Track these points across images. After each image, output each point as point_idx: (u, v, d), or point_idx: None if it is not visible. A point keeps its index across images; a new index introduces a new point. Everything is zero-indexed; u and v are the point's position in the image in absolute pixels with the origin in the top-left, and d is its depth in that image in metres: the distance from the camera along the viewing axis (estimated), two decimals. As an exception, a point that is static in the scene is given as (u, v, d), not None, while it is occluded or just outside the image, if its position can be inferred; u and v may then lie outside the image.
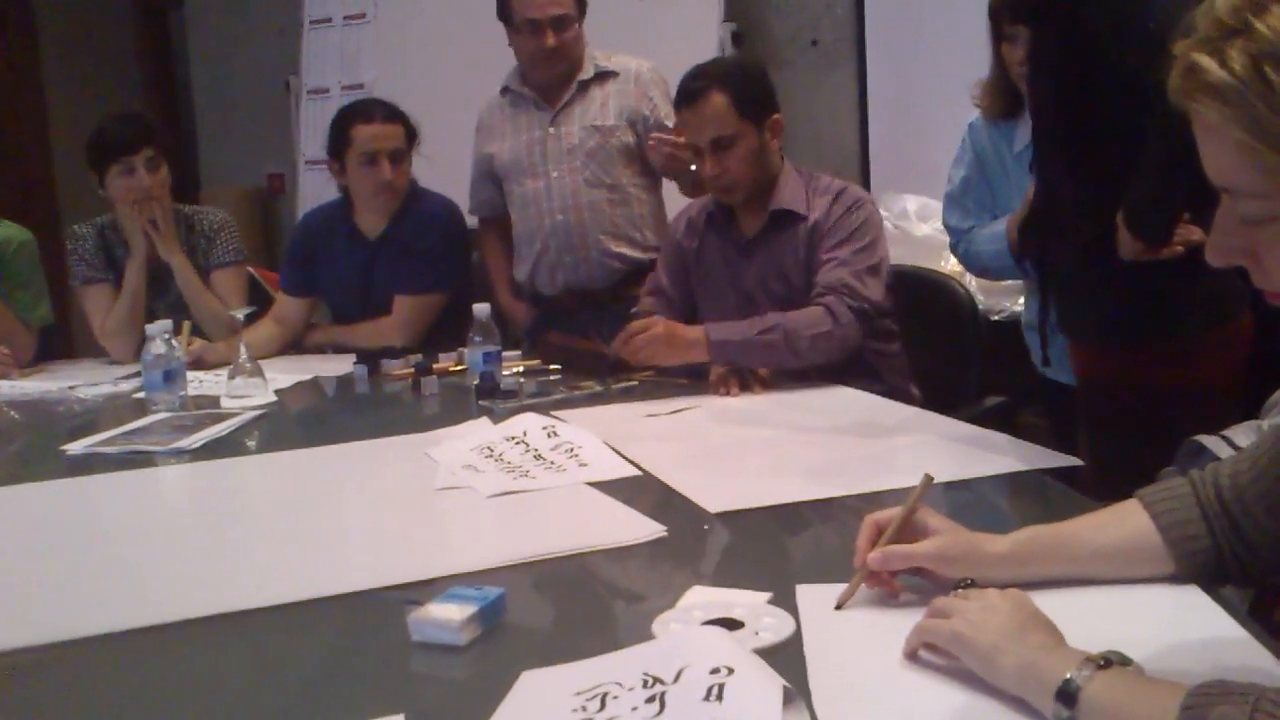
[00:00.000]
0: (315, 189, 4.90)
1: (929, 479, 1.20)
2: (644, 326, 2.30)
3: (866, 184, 4.29)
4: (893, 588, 1.13)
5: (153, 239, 3.03)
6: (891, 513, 1.16)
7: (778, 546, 1.46)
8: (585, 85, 3.02)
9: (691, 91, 2.38)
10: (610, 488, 1.63)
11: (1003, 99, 2.52)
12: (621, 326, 2.69)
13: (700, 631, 1.04)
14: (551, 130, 3.01)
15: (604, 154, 2.98)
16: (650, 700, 0.90)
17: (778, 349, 2.25)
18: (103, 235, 3.18)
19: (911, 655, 0.99)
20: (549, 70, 2.99)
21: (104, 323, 3.15)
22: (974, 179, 2.61)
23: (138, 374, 2.55)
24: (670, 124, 2.98)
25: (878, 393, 2.24)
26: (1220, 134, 0.81)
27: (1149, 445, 1.55)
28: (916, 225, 3.78)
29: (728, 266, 2.50)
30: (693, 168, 2.77)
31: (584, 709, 0.92)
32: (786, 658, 1.00)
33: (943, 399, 2.33)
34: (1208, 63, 0.80)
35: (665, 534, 1.41)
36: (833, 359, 2.30)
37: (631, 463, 1.76)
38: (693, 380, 2.36)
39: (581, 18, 2.99)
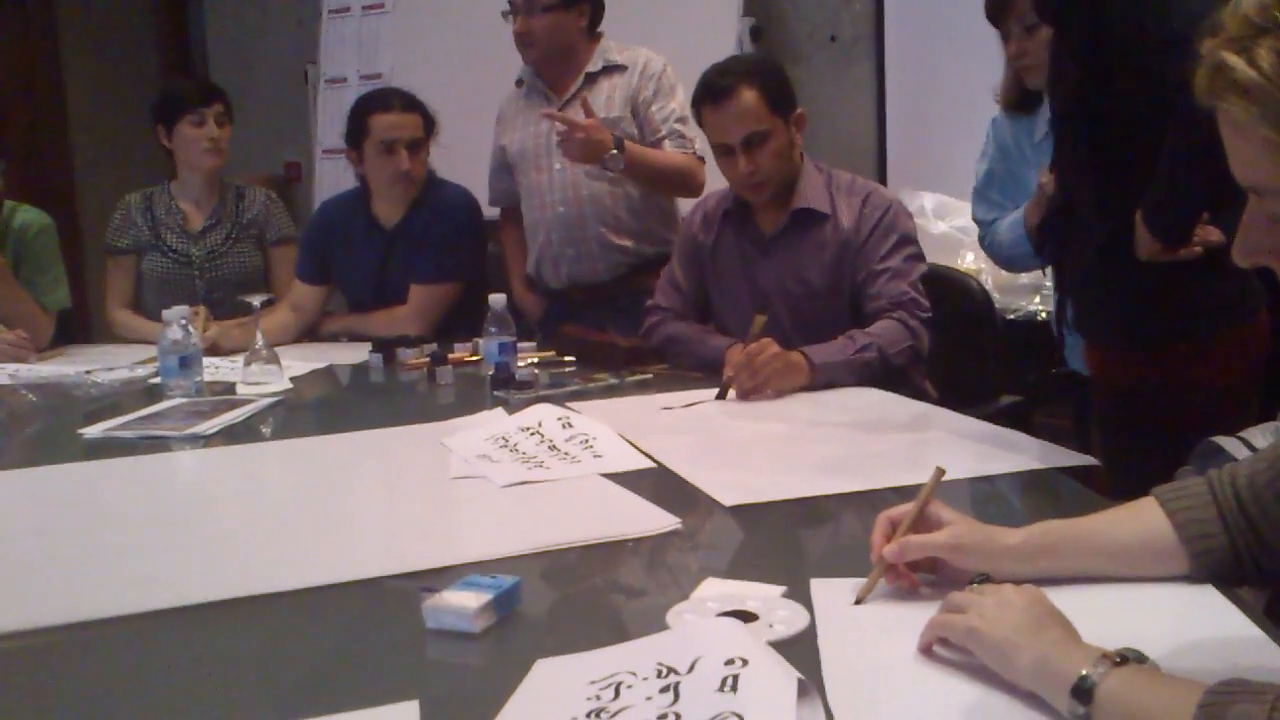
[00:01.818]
0: (332, 178, 4.91)
1: (940, 472, 1.20)
2: (762, 348, 2.15)
3: (883, 180, 4.28)
4: (912, 581, 1.14)
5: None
6: (905, 508, 1.17)
7: (792, 540, 1.47)
8: (593, 78, 3.01)
9: (719, 89, 2.34)
10: (624, 479, 1.64)
11: (1016, 94, 2.55)
12: (632, 319, 2.71)
13: (715, 623, 1.05)
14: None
15: None
16: (664, 690, 0.90)
17: (873, 366, 2.24)
18: (149, 201, 3.29)
19: (926, 650, 0.99)
20: (525, 56, 3.00)
21: (119, 309, 3.29)
22: (997, 171, 2.63)
23: (154, 359, 2.56)
24: (659, 114, 2.96)
25: (892, 389, 2.24)
26: (1248, 133, 0.80)
27: (1164, 446, 1.55)
28: (933, 222, 3.76)
29: (744, 264, 2.49)
30: (614, 151, 2.76)
31: (598, 698, 0.92)
32: (800, 650, 1.00)
33: (958, 396, 2.33)
34: (1235, 61, 0.79)
35: (679, 526, 1.41)
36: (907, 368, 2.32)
37: (646, 455, 1.76)
38: (706, 374, 2.36)
39: (568, 8, 2.96)
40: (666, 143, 2.95)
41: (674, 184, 2.98)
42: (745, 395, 2.14)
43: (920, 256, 2.42)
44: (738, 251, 2.50)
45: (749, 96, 2.32)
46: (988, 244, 2.66)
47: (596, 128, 2.74)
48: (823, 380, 2.20)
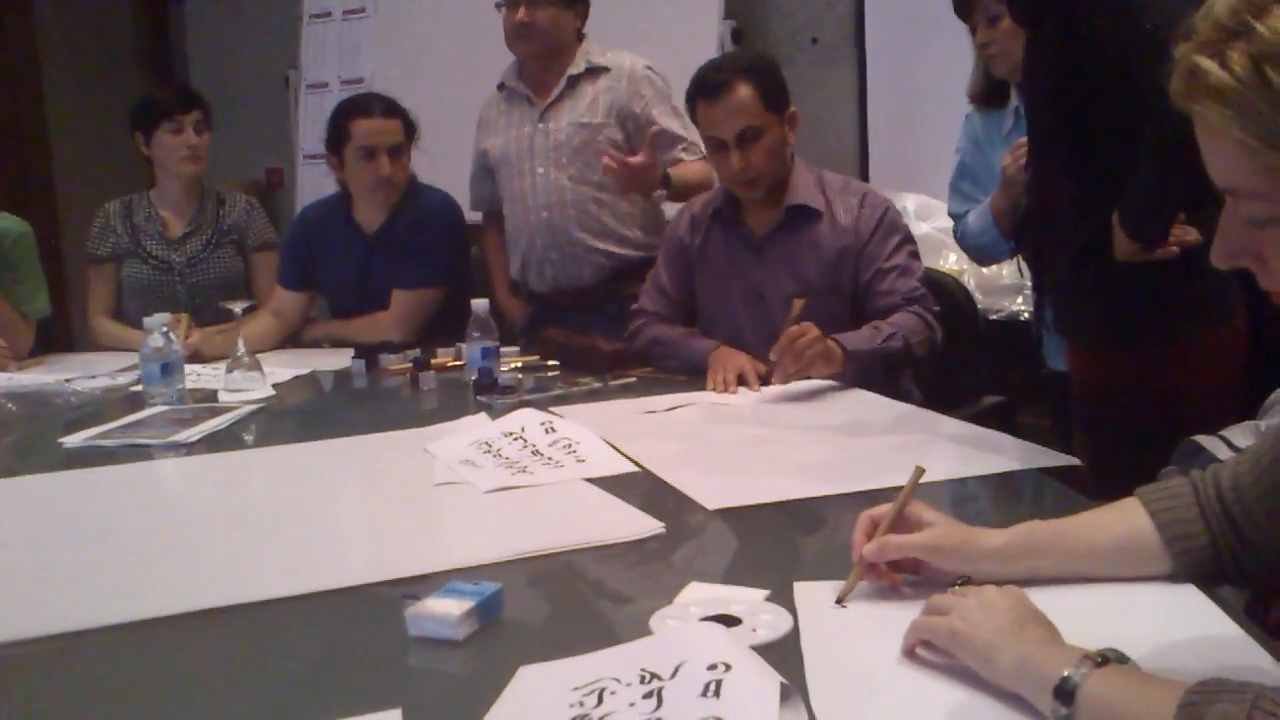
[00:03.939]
0: (314, 183, 4.90)
1: (920, 471, 1.21)
2: (804, 331, 2.10)
3: (865, 181, 4.29)
4: (892, 580, 1.14)
5: None
6: (886, 507, 1.17)
7: (775, 544, 1.46)
8: (575, 80, 3.00)
9: (716, 84, 2.35)
10: (608, 484, 1.64)
11: (984, 87, 2.59)
12: (617, 324, 2.72)
13: (698, 628, 1.05)
14: (540, 126, 3.00)
15: (591, 151, 2.95)
16: (648, 696, 0.90)
17: (898, 356, 2.26)
18: (128, 209, 3.29)
19: (909, 652, 0.99)
20: (522, 47, 2.98)
21: (100, 317, 3.29)
22: (970, 164, 2.68)
23: (135, 367, 2.55)
24: (663, 122, 2.97)
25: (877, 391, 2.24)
26: (1222, 136, 0.81)
27: (1145, 446, 1.56)
28: (915, 224, 3.78)
29: (735, 264, 2.49)
30: (656, 195, 2.83)
31: (581, 704, 0.92)
32: (784, 654, 1.00)
33: (941, 398, 2.34)
34: (1209, 65, 0.80)
35: (663, 530, 1.41)
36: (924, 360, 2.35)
37: (629, 459, 1.76)
38: (690, 378, 2.36)
39: (569, 5, 2.97)
40: (684, 154, 2.98)
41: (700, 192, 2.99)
42: (787, 379, 2.13)
43: (919, 255, 2.46)
44: (727, 251, 2.50)
45: (745, 92, 2.33)
46: (959, 235, 2.70)
47: (648, 167, 2.75)
48: (852, 369, 2.21)
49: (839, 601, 1.12)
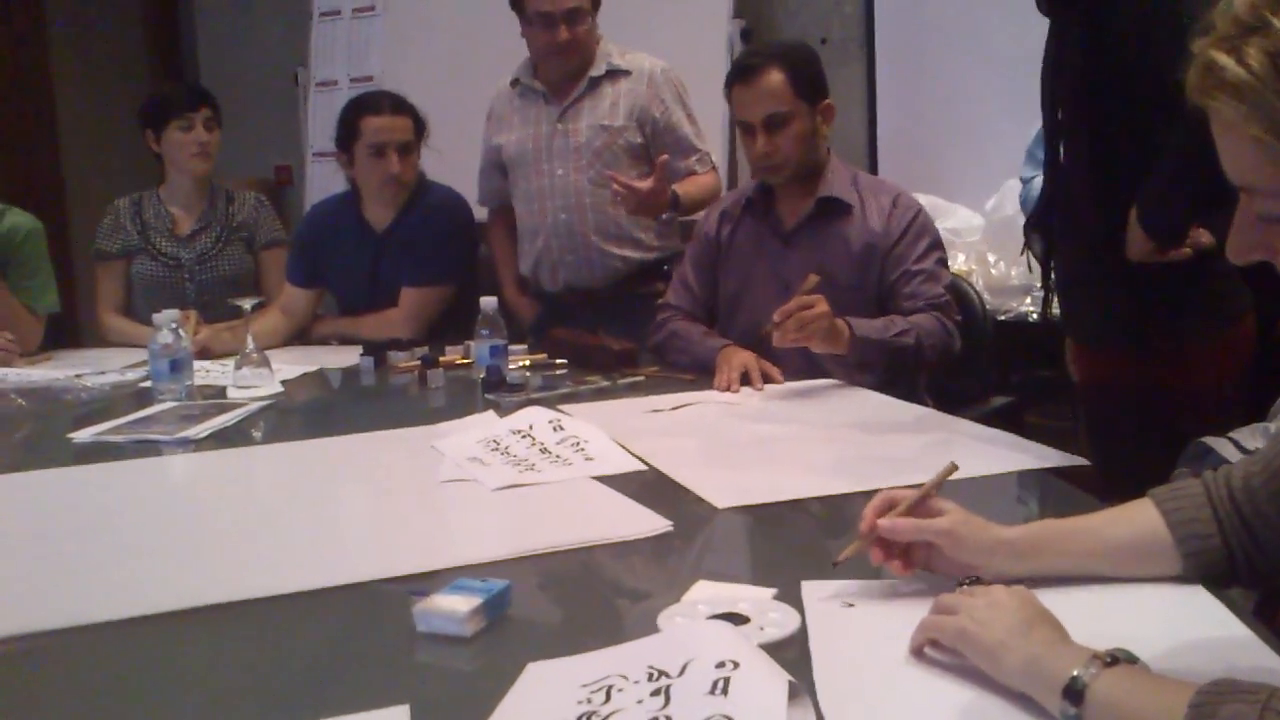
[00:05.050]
0: (323, 181, 4.90)
1: (953, 467, 1.20)
2: (814, 303, 2.09)
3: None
4: (901, 567, 1.14)
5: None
6: (907, 490, 1.17)
7: (783, 542, 1.46)
8: (596, 82, 3.00)
9: (748, 68, 2.37)
10: (616, 482, 1.64)
11: None
12: (626, 324, 2.71)
13: (706, 626, 1.04)
14: (559, 126, 3.00)
15: (610, 153, 2.95)
16: (655, 693, 0.90)
17: (907, 353, 2.24)
18: (138, 206, 3.29)
19: (917, 651, 0.99)
20: (562, 64, 2.97)
21: (109, 314, 3.29)
22: None
23: (144, 363, 2.55)
24: (683, 130, 2.98)
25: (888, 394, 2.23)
26: (1238, 131, 0.81)
27: (1152, 447, 1.55)
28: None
29: (765, 255, 2.48)
30: (665, 216, 2.83)
31: (589, 701, 0.92)
32: (792, 653, 1.00)
33: (950, 398, 2.33)
34: (1225, 60, 0.80)
35: (671, 528, 1.41)
36: (935, 366, 2.34)
37: (637, 457, 1.76)
38: (698, 376, 2.36)
39: (594, 10, 2.97)
40: (697, 166, 2.99)
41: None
42: (784, 343, 2.13)
43: (947, 263, 2.46)
44: (756, 242, 2.50)
45: (775, 78, 2.35)
46: (1022, 199, 2.72)
47: (658, 192, 2.74)
48: (855, 355, 2.19)
49: (836, 565, 1.14)
